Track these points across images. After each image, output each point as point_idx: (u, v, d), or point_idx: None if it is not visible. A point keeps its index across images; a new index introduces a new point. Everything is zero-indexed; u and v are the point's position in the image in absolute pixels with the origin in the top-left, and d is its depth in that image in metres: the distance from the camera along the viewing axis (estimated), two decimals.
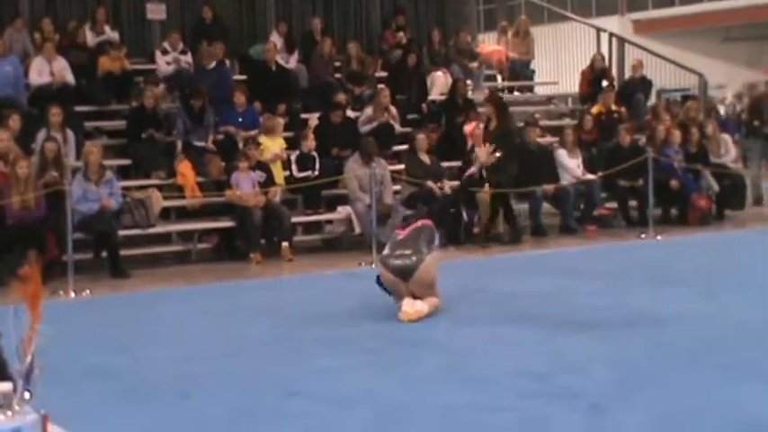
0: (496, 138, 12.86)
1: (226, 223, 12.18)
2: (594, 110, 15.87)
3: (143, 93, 13.06)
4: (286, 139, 13.56)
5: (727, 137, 15.70)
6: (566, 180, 13.87)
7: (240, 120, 13.44)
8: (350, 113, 14.33)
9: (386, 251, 7.90)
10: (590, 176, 14.06)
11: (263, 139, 13.08)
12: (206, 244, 12.42)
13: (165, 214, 12.45)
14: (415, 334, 7.14)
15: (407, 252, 7.73)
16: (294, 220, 12.58)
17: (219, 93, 13.65)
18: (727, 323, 7.15)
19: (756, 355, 6.10)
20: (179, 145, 12.77)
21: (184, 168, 12.39)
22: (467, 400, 5.30)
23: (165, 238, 12.52)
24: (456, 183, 13.39)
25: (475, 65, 17.47)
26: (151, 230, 11.91)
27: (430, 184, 13.06)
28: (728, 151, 15.37)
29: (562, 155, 14.12)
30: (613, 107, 15.86)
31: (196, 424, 5.06)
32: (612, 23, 25.02)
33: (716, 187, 14.67)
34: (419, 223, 8.16)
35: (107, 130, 13.68)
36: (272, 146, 13.10)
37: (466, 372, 5.99)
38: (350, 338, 7.14)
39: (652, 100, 17.68)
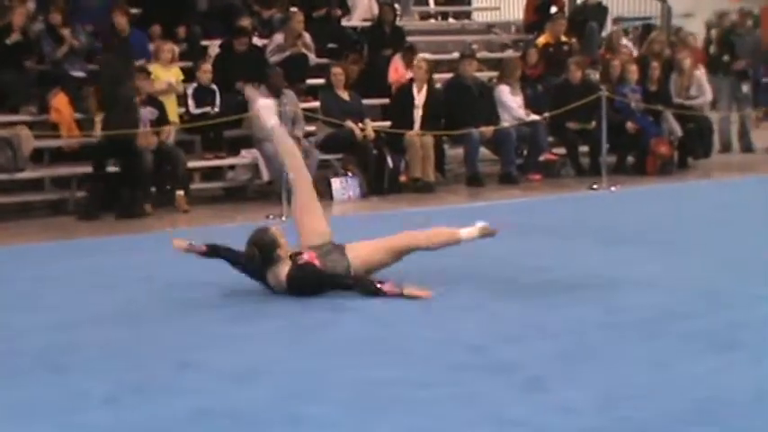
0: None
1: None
2: (541, 40, 15.95)
3: (9, 10, 12.78)
4: (182, 69, 13.41)
5: (702, 74, 15.84)
6: (506, 121, 13.96)
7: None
8: (256, 41, 14.23)
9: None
10: (535, 117, 14.17)
11: (153, 67, 12.91)
12: (85, 192, 12.27)
13: (37, 156, 12.28)
14: (330, 299, 7.14)
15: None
16: (190, 164, 12.50)
17: (101, 13, 13.44)
18: (688, 287, 7.27)
19: (719, 324, 6.21)
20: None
21: (59, 103, 12.21)
22: (390, 373, 5.33)
23: (36, 185, 12.36)
24: (380, 123, 13.42)
25: None
26: (20, 175, 11.75)
27: (349, 124, 13.06)
28: (703, 92, 15.53)
29: (503, 91, 14.19)
30: (563, 38, 15.96)
31: (72, 401, 5.01)
32: None
33: (678, 132, 14.87)
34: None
35: None
36: (166, 76, 12.94)
37: (389, 342, 6.02)
38: (255, 303, 7.12)
39: (607, 30, 17.80)
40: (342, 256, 7.34)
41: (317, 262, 7.22)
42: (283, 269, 7.16)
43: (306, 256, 7.22)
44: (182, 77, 13.18)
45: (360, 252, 7.41)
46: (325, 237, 7.48)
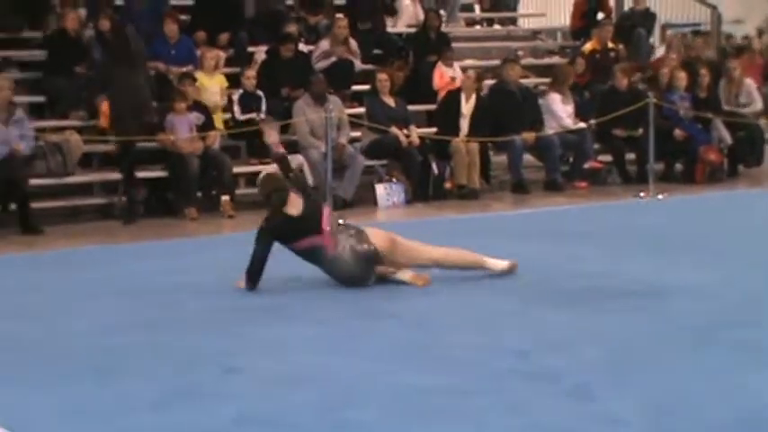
0: None
1: (156, 173, 12.11)
2: (587, 47, 15.88)
3: (62, 17, 12.89)
4: (228, 75, 13.47)
5: (752, 82, 15.70)
6: (552, 128, 13.90)
7: (172, 53, 13.30)
8: (303, 47, 14.26)
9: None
10: (581, 125, 14.09)
11: (199, 75, 12.95)
12: (124, 197, 12.33)
13: (86, 161, 12.37)
14: (375, 305, 7.15)
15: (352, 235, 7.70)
16: (236, 170, 12.54)
17: (151, 20, 13.52)
18: (737, 296, 7.21)
19: None
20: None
21: (108, 108, 12.26)
22: (433, 380, 5.32)
23: (84, 189, 12.44)
24: (425, 130, 13.41)
25: None
26: (68, 180, 11.84)
27: (395, 130, 13.05)
28: (753, 100, 15.39)
29: (554, 100, 14.12)
30: (610, 44, 15.89)
31: (119, 406, 5.04)
32: None
33: (728, 139, 14.74)
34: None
35: (18, 61, 13.52)
36: (211, 85, 12.98)
37: (433, 349, 6.01)
38: (298, 308, 7.14)
39: (655, 37, 17.70)
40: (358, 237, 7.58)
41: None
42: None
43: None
44: (226, 84, 13.23)
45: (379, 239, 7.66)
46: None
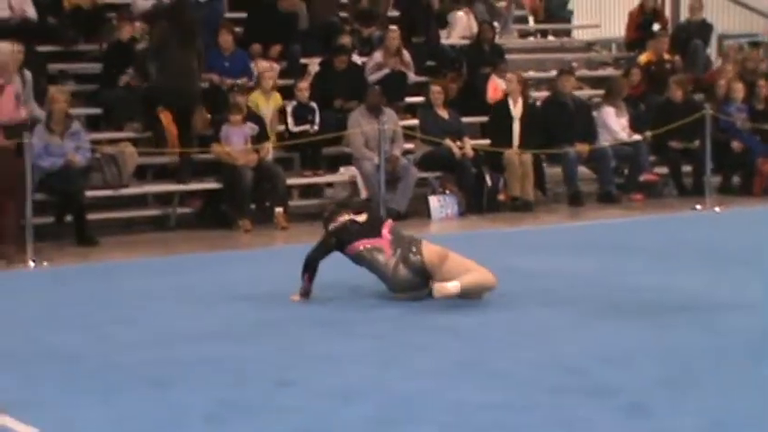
0: None
1: (211, 185, 12.17)
2: (643, 58, 15.77)
3: (117, 30, 12.99)
4: (282, 88, 13.49)
5: None
6: (606, 141, 13.82)
7: (227, 65, 13.35)
8: (356, 59, 14.28)
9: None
10: (636, 137, 14.00)
11: (255, 96, 12.91)
12: (187, 208, 12.41)
13: (141, 173, 12.45)
14: (428, 319, 7.13)
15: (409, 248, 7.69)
16: (289, 182, 12.57)
17: (206, 32, 13.57)
18: None
19: None
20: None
21: (164, 120, 12.34)
22: (487, 396, 5.28)
23: (139, 201, 12.53)
24: (479, 141, 13.38)
25: (503, 4, 17.41)
26: (124, 191, 11.92)
27: (448, 142, 13.03)
28: None
29: (608, 114, 14.05)
30: (666, 55, 15.77)
31: (173, 417, 5.05)
32: None
33: None
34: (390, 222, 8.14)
35: (74, 74, 13.64)
36: (266, 105, 12.94)
37: (487, 364, 5.98)
38: (353, 321, 7.14)
39: (712, 47, 17.54)
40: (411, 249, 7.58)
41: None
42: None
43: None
44: (281, 104, 13.18)
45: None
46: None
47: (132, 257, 10.31)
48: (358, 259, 7.76)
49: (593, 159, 13.78)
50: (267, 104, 12.95)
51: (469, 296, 7.47)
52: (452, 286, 7.39)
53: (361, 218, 7.89)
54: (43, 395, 5.42)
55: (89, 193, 11.36)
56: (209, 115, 12.60)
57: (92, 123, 12.89)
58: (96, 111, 12.98)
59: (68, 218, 11.17)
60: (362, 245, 7.70)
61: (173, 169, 12.39)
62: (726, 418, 4.84)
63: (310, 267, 7.70)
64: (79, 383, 5.71)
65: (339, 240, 7.76)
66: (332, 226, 7.84)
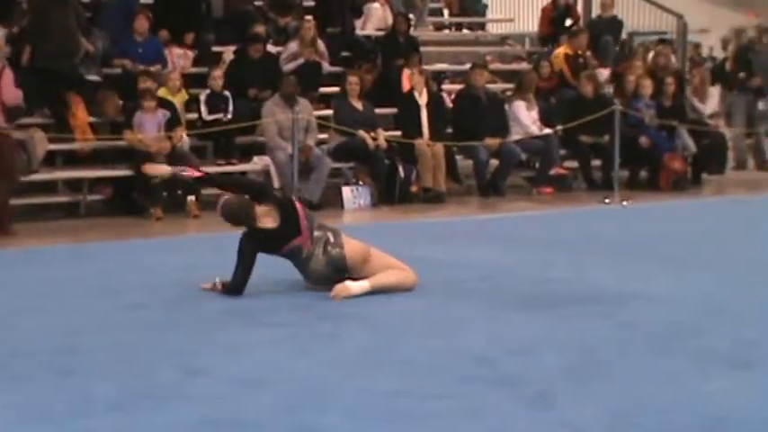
0: None
1: (122, 172, 12.04)
2: (560, 52, 15.87)
3: (25, 14, 12.77)
4: (194, 75, 13.40)
5: (715, 90, 15.83)
6: (518, 134, 13.93)
7: (140, 51, 13.22)
8: (271, 48, 14.23)
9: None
10: (547, 130, 14.13)
11: (162, 91, 12.77)
12: (98, 195, 12.27)
13: (50, 159, 12.29)
14: (339, 308, 7.13)
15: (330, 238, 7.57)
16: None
17: (120, 17, 13.43)
18: (700, 304, 7.23)
19: (731, 341, 6.17)
20: None
21: (74, 106, 12.19)
22: (396, 385, 5.30)
23: (49, 187, 12.37)
24: (392, 133, 13.41)
25: None
26: (33, 177, 11.75)
27: (362, 133, 13.04)
28: (710, 105, 15.50)
29: (519, 107, 14.17)
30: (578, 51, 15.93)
31: (79, 406, 4.99)
32: None
33: (693, 147, 14.85)
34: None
35: None
36: (172, 99, 12.80)
37: (395, 353, 5.99)
38: (263, 310, 7.11)
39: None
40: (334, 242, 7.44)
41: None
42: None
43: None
44: (186, 98, 13.05)
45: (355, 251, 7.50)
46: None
47: (42, 245, 10.17)
48: (282, 257, 7.64)
49: (500, 154, 13.87)
50: (174, 99, 12.84)
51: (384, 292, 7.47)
52: (358, 287, 7.37)
53: (271, 220, 7.48)
54: None
55: None
56: (120, 101, 12.46)
57: None
58: None
59: None
60: (285, 251, 7.53)
61: (83, 156, 12.26)
62: (627, 409, 4.89)
63: (239, 288, 7.43)
64: None
65: (262, 251, 7.51)
66: (248, 243, 7.43)
